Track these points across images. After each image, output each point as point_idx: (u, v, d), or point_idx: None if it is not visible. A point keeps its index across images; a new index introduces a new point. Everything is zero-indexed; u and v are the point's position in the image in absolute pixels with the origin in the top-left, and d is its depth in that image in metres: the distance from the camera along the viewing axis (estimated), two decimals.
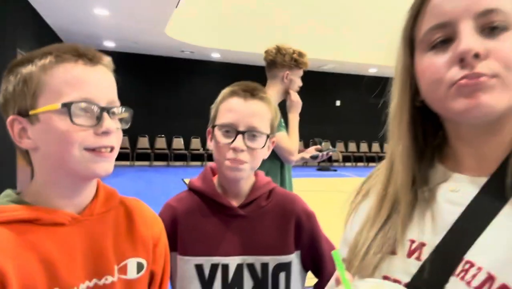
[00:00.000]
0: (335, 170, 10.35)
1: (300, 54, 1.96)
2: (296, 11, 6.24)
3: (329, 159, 10.88)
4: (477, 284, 0.45)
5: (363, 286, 0.47)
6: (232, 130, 0.86)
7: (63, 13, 6.14)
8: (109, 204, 0.69)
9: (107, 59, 0.66)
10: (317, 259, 0.94)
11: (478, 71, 0.45)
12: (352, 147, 11.58)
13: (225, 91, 0.92)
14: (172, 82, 9.99)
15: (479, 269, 0.45)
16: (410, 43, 0.54)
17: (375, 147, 11.67)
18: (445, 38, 0.49)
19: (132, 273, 0.68)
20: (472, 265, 0.46)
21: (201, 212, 0.90)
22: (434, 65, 0.49)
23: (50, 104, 0.58)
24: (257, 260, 0.89)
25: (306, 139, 10.94)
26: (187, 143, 10.06)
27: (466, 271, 0.46)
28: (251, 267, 0.88)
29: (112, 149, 0.63)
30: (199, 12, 6.63)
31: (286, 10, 6.23)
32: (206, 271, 0.87)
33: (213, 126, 0.89)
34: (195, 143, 9.98)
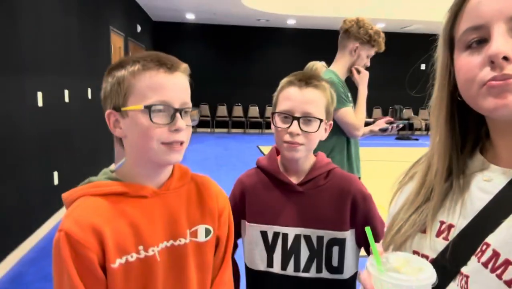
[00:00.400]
0: (417, 139, 9.78)
1: (377, 33, 1.90)
2: None
3: (411, 128, 10.30)
4: (485, 260, 0.50)
5: (392, 258, 0.53)
6: (289, 116, 0.96)
7: None
8: (182, 180, 0.83)
9: (184, 66, 0.77)
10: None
11: (506, 72, 0.48)
12: None
13: (283, 81, 1.02)
14: (248, 51, 10.14)
15: (489, 247, 0.50)
16: (450, 42, 0.57)
17: None
18: (480, 39, 0.51)
19: (201, 236, 0.81)
20: (488, 246, 0.51)
21: (265, 187, 1.03)
22: (469, 64, 0.52)
23: (136, 105, 0.71)
24: (313, 233, 0.99)
25: (385, 105, 10.43)
26: (262, 112, 10.28)
27: (483, 252, 0.51)
28: (307, 238, 0.99)
29: (182, 142, 0.75)
30: None
31: None
32: (269, 237, 1.00)
33: (273, 113, 1.01)
34: (270, 111, 10.12)
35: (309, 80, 0.98)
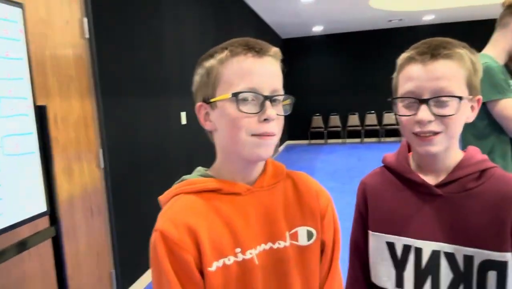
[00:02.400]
0: None
1: None
2: None
3: None
4: None
5: None
6: (414, 101, 0.76)
7: (275, 9, 6.80)
8: (277, 177, 0.75)
9: (274, 50, 0.69)
10: None
11: None
12: None
13: (401, 57, 0.81)
14: (380, 56, 9.58)
15: None
16: None
17: None
18: None
19: (303, 240, 0.72)
20: None
21: (392, 189, 0.85)
22: None
23: (224, 94, 0.66)
24: (457, 250, 0.77)
25: None
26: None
27: None
28: (450, 257, 0.77)
29: (273, 135, 0.67)
30: None
31: None
32: (399, 251, 0.82)
33: (393, 99, 0.81)
34: None
35: (435, 51, 0.76)
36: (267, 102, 0.65)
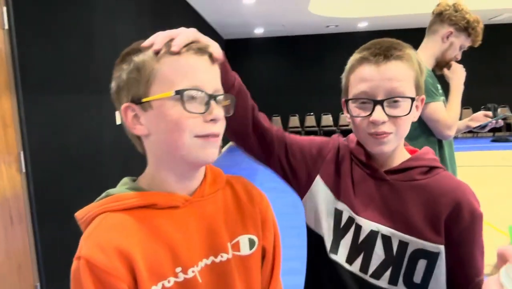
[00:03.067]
0: None
1: (477, 21, 1.63)
2: None
3: (508, 128, 9.12)
4: None
5: None
6: (368, 101, 0.77)
7: (217, 8, 6.75)
8: (217, 184, 0.70)
9: (211, 49, 0.65)
10: (458, 263, 0.77)
11: None
12: None
13: (353, 58, 0.82)
14: (318, 60, 9.95)
15: None
16: None
17: None
18: None
19: (245, 249, 0.69)
20: None
21: (354, 164, 0.86)
22: None
23: (163, 92, 0.59)
24: (394, 235, 0.79)
25: (477, 105, 9.41)
26: (336, 120, 9.97)
27: None
28: (386, 239, 0.79)
29: (218, 135, 0.63)
30: None
31: None
32: (343, 221, 0.83)
33: (347, 100, 0.82)
34: (344, 120, 9.80)
35: (388, 52, 0.76)
36: (213, 102, 0.61)
